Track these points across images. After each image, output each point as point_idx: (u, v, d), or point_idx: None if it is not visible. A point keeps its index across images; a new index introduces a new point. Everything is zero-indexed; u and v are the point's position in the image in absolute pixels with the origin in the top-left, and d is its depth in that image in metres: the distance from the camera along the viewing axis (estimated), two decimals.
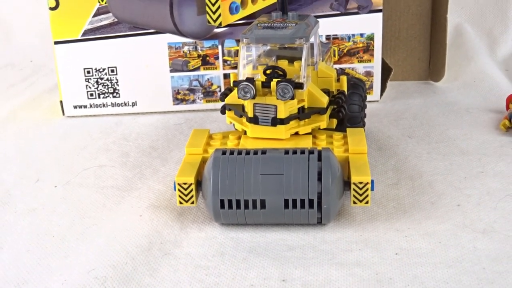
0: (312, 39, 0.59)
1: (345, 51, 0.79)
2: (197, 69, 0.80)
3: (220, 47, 0.79)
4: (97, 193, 0.61)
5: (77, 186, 0.62)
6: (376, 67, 0.80)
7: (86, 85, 0.79)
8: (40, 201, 0.60)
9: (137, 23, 0.78)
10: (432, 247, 0.50)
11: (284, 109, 0.56)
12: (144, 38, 0.78)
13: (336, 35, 0.79)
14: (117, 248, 0.51)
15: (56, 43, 0.78)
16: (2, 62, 1.03)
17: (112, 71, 0.79)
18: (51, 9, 0.77)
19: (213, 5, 0.74)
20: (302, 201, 0.51)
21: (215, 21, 0.75)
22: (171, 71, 0.79)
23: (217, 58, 0.79)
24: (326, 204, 0.51)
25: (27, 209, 0.58)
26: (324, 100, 0.58)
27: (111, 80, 0.79)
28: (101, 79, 0.79)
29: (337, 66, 0.80)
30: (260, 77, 0.58)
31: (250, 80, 0.56)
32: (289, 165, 0.51)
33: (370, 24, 0.78)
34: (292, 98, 0.55)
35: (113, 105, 0.80)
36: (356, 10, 0.78)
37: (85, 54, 0.78)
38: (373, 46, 0.79)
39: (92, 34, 0.78)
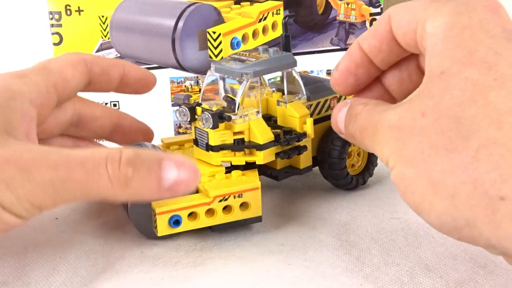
0: (269, 76, 0.61)
1: None
2: None
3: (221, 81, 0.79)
4: None
5: None
6: None
7: None
8: None
9: (140, 58, 0.79)
10: None
11: (214, 137, 0.57)
12: None
13: None
14: None
15: None
16: None
17: (115, 105, 0.79)
18: (55, 44, 0.78)
19: (215, 40, 0.75)
20: None
21: (216, 56, 0.75)
22: (172, 105, 0.80)
23: (217, 93, 0.80)
24: None
25: None
26: (264, 137, 0.58)
27: None
28: None
29: None
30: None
31: (189, 105, 0.58)
32: None
33: None
34: (214, 127, 0.57)
35: None
36: None
37: None
38: None
39: None
